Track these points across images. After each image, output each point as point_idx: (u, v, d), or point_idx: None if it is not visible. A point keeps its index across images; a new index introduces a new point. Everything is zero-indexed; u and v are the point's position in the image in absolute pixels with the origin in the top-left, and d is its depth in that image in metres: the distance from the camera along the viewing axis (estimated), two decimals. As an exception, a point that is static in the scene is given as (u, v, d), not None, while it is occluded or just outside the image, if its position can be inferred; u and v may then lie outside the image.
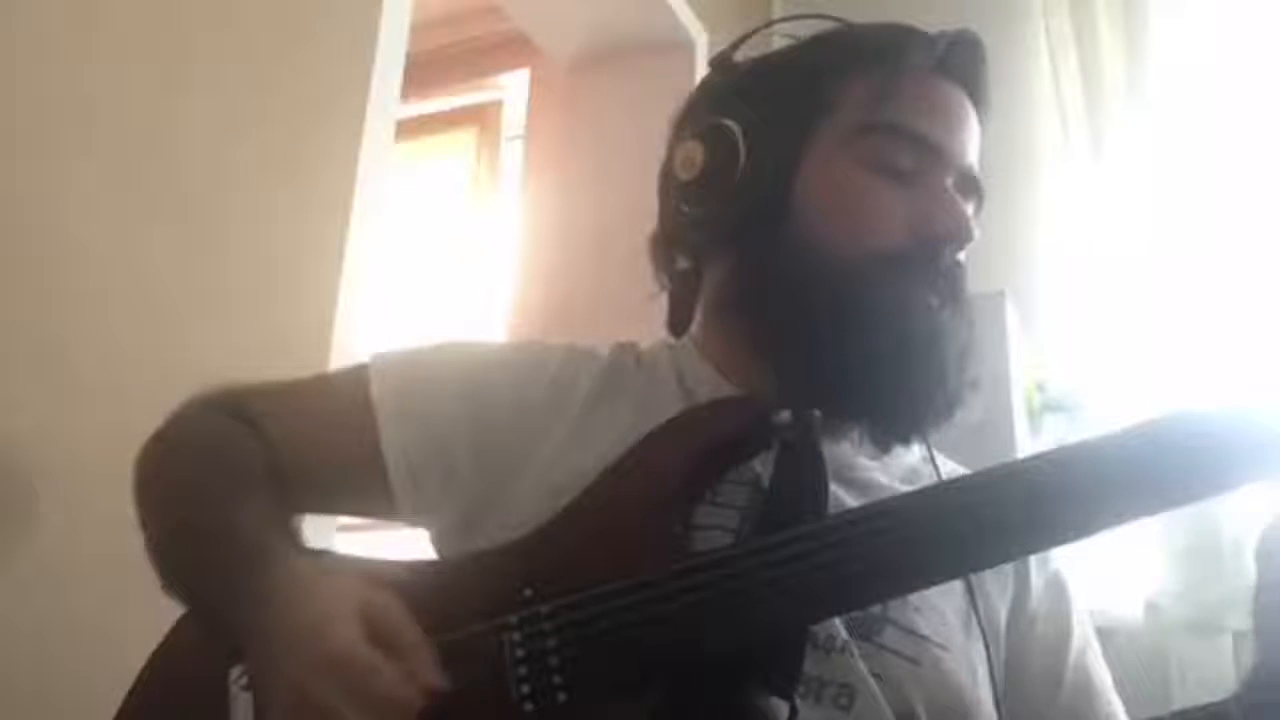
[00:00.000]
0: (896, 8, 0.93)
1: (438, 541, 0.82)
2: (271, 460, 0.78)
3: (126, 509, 0.77)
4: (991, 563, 0.76)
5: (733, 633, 0.65)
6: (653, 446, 0.74)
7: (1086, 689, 0.81)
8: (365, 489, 0.79)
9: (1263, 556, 0.67)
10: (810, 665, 0.68)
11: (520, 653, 0.65)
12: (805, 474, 0.74)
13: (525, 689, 0.64)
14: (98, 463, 1.09)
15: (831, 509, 0.73)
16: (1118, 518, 0.66)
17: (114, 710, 0.75)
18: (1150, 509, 0.67)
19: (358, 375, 0.82)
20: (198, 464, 0.77)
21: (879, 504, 0.72)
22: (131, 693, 0.75)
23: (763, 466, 0.75)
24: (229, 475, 0.76)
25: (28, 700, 1.04)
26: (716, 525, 0.73)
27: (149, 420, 0.81)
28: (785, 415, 0.75)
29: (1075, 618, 0.84)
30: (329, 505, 0.83)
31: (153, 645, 0.77)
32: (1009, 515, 0.66)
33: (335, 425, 0.81)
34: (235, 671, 0.68)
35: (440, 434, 0.79)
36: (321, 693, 0.60)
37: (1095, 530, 0.66)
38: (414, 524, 0.81)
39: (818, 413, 0.75)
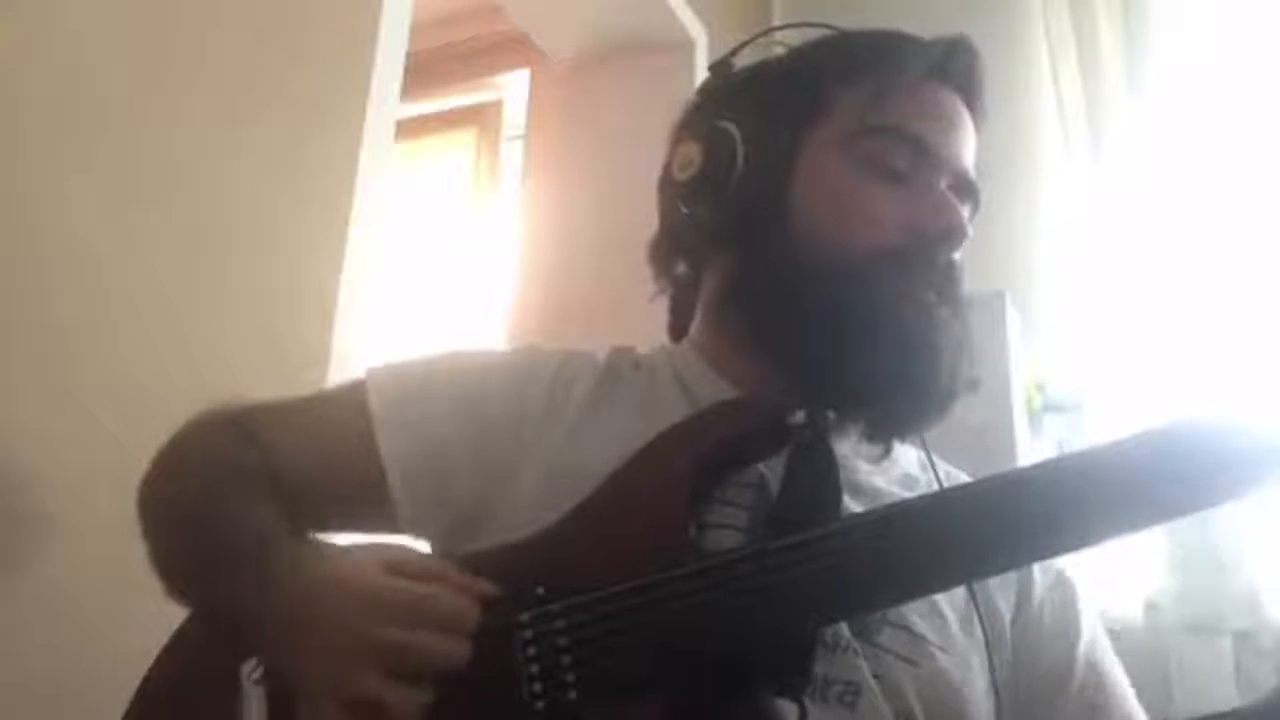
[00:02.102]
0: (897, 8, 0.94)
1: (436, 549, 0.82)
2: (273, 473, 0.78)
3: (130, 512, 0.78)
4: (999, 569, 0.76)
5: (743, 633, 0.66)
6: (665, 447, 0.75)
7: (1101, 685, 0.81)
8: (365, 500, 0.80)
9: None
10: (817, 664, 0.69)
11: (531, 650, 0.66)
12: (819, 475, 0.74)
13: (536, 686, 0.65)
14: (100, 466, 1.09)
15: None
16: (1123, 527, 0.66)
17: (120, 713, 0.75)
18: (1153, 520, 0.67)
19: (355, 388, 0.83)
20: (204, 482, 0.78)
21: (888, 508, 0.72)
22: (137, 696, 0.75)
23: (768, 467, 0.75)
24: (233, 484, 0.76)
25: (35, 705, 1.04)
26: (725, 525, 0.73)
27: (150, 423, 0.82)
28: (799, 416, 0.75)
29: (1084, 614, 0.84)
30: (330, 520, 0.84)
31: (159, 648, 0.77)
32: (1013, 524, 0.66)
33: (334, 438, 0.81)
34: (248, 666, 0.68)
35: (438, 441, 0.79)
36: (372, 632, 0.61)
37: (1099, 539, 0.66)
38: (413, 534, 0.81)
39: (831, 414, 0.76)
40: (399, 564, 0.65)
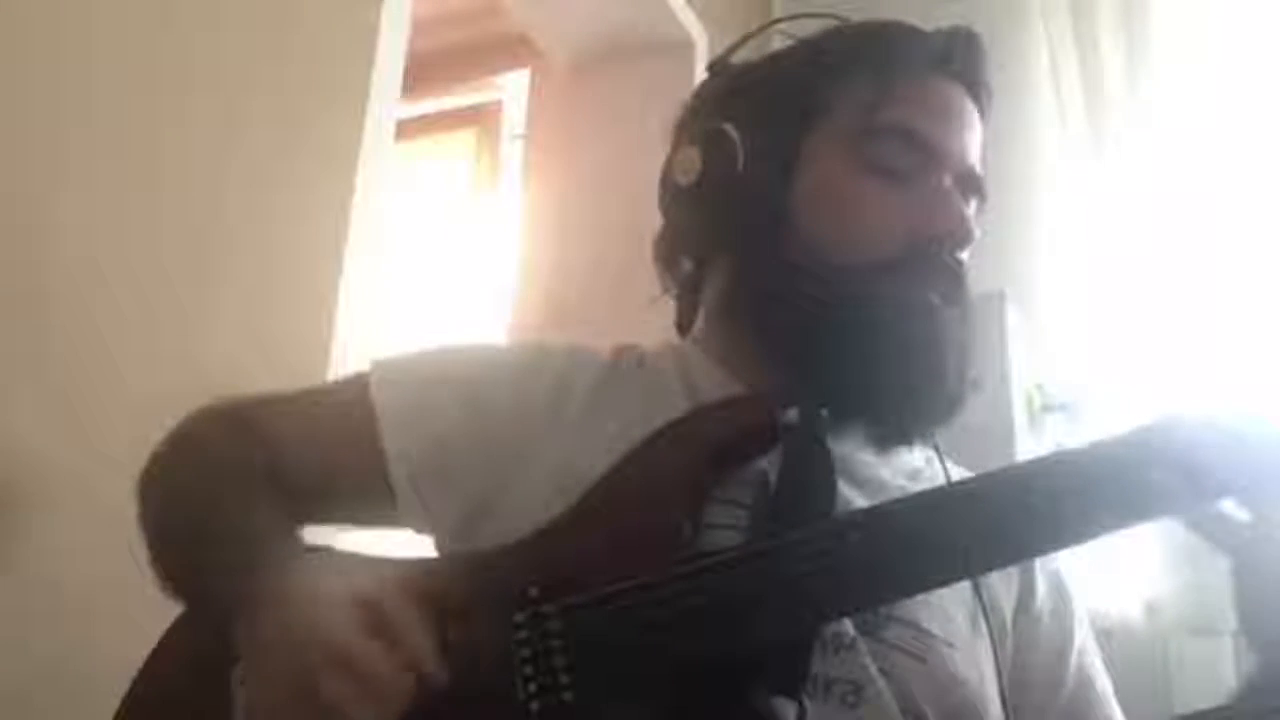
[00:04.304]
0: (895, 8, 0.93)
1: (440, 545, 0.82)
2: (273, 469, 0.78)
3: (130, 513, 0.77)
4: (997, 565, 0.76)
5: (739, 633, 0.65)
6: (660, 445, 0.74)
7: (1087, 693, 0.81)
8: (367, 495, 0.79)
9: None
10: (818, 663, 0.68)
11: (526, 652, 0.65)
12: (813, 472, 0.74)
13: (531, 688, 0.64)
14: (100, 467, 1.09)
15: (838, 506, 0.74)
16: (1120, 522, 0.66)
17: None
18: (1150, 514, 0.67)
19: (358, 382, 0.82)
20: (200, 472, 0.77)
21: (885, 505, 0.72)
22: (126, 699, 0.75)
23: (770, 464, 0.75)
24: (231, 481, 0.76)
25: (35, 705, 1.04)
26: (724, 524, 0.73)
27: (150, 423, 0.81)
28: (793, 413, 0.75)
29: (1077, 619, 0.84)
30: (331, 514, 0.83)
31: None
32: (1011, 519, 0.66)
33: (337, 433, 0.80)
34: (238, 670, 0.68)
35: (441, 437, 0.79)
36: (304, 667, 0.59)
37: (1098, 534, 0.66)
38: (416, 529, 0.81)
39: (825, 411, 0.75)
40: (370, 604, 0.62)
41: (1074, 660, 0.82)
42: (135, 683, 0.76)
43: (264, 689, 0.63)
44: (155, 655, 0.76)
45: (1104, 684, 0.83)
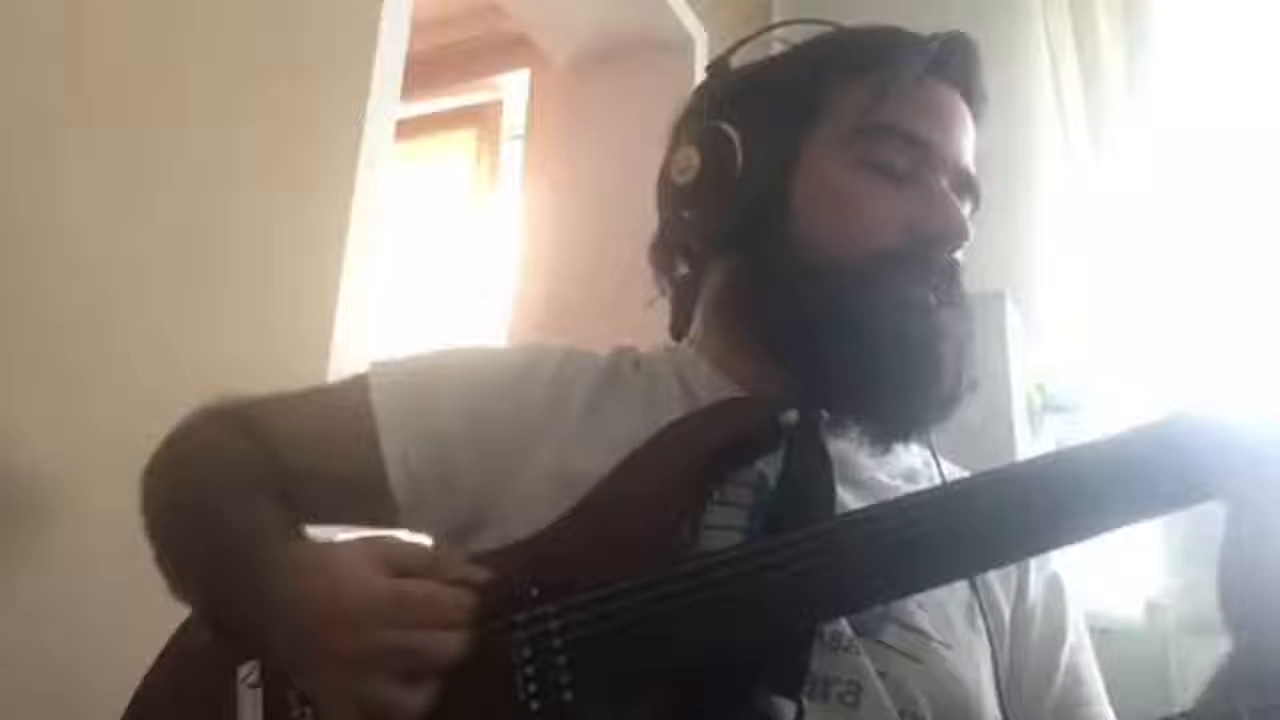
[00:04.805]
0: (896, 9, 0.94)
1: (439, 546, 0.82)
2: (274, 469, 0.78)
3: (130, 512, 0.78)
4: (995, 564, 0.76)
5: (738, 633, 0.65)
6: (661, 446, 0.75)
7: (1076, 691, 0.82)
8: (366, 496, 0.80)
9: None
10: (817, 663, 0.69)
11: (526, 652, 0.65)
12: (812, 473, 0.74)
13: (532, 688, 0.65)
14: (100, 466, 1.09)
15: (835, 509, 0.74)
16: (1121, 520, 0.66)
17: (119, 715, 0.75)
18: (1150, 513, 0.67)
19: (358, 383, 0.82)
20: (202, 473, 0.78)
21: (883, 505, 0.72)
22: (134, 701, 0.76)
23: (767, 466, 0.75)
24: (233, 482, 0.76)
25: (35, 706, 1.04)
26: (724, 525, 0.73)
27: (150, 423, 0.81)
28: (792, 415, 0.75)
29: (1070, 618, 0.84)
30: (331, 515, 0.84)
31: (159, 649, 0.77)
32: (1010, 518, 0.66)
33: (336, 435, 0.81)
34: (244, 670, 0.68)
35: (440, 438, 0.79)
36: (370, 636, 0.61)
37: (1097, 532, 0.66)
38: (412, 530, 0.81)
39: (825, 413, 0.76)
40: (389, 559, 0.65)
41: (1065, 658, 0.82)
42: (149, 676, 0.76)
43: (327, 677, 0.63)
44: (163, 656, 0.77)
45: (1095, 684, 0.83)
